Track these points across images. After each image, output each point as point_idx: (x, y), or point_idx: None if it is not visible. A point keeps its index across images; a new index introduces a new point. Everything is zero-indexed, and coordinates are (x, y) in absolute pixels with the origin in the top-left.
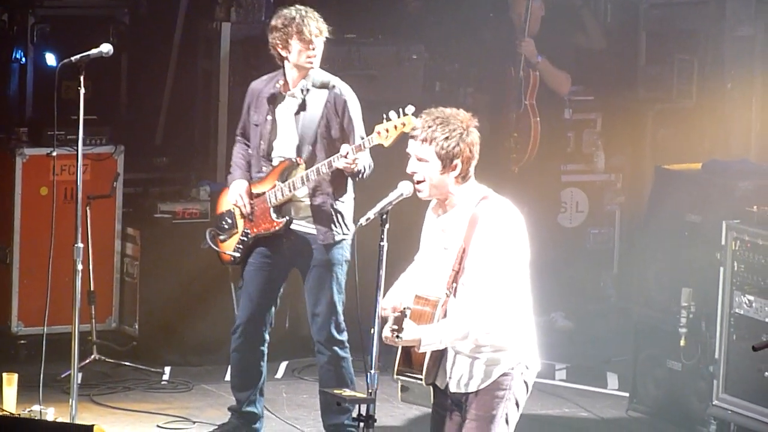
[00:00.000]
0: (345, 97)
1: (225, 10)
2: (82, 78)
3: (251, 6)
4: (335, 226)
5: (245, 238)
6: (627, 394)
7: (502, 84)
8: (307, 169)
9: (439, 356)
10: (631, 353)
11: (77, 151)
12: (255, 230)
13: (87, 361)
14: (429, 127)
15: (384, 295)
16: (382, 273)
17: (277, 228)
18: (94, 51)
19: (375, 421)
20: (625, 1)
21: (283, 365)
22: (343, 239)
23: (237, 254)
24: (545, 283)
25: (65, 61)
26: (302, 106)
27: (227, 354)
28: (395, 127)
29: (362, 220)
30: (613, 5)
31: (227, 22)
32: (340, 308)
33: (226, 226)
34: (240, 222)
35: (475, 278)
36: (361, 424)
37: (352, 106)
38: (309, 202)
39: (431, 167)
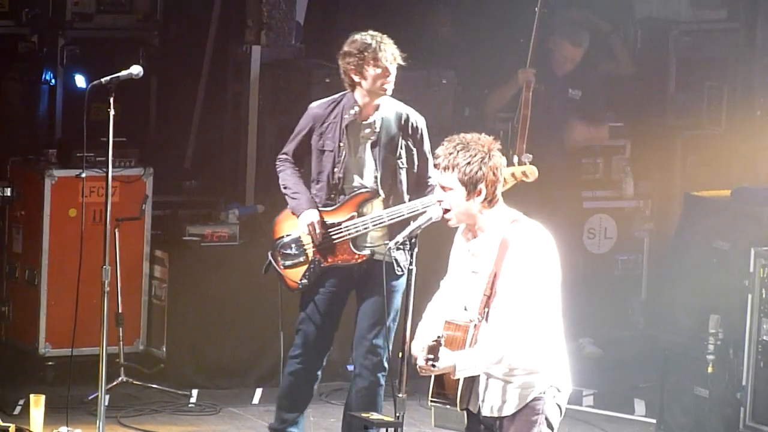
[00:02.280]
0: (420, 126)
1: (255, 34)
2: (111, 100)
3: (281, 29)
4: (407, 255)
5: (314, 267)
6: (654, 421)
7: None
8: (386, 200)
9: (472, 380)
10: (658, 379)
11: (106, 172)
12: (330, 260)
13: (114, 383)
14: (450, 154)
15: (412, 321)
16: (411, 297)
17: (358, 261)
18: (124, 73)
19: None
20: (655, 28)
21: None
22: (411, 268)
23: (306, 281)
24: (573, 308)
25: (95, 82)
26: (380, 137)
27: (255, 377)
28: (513, 175)
29: (391, 244)
30: (643, 32)
31: (257, 45)
32: (392, 335)
33: (293, 253)
34: (310, 251)
35: (507, 302)
36: None
37: (426, 134)
38: (385, 231)
39: (456, 195)
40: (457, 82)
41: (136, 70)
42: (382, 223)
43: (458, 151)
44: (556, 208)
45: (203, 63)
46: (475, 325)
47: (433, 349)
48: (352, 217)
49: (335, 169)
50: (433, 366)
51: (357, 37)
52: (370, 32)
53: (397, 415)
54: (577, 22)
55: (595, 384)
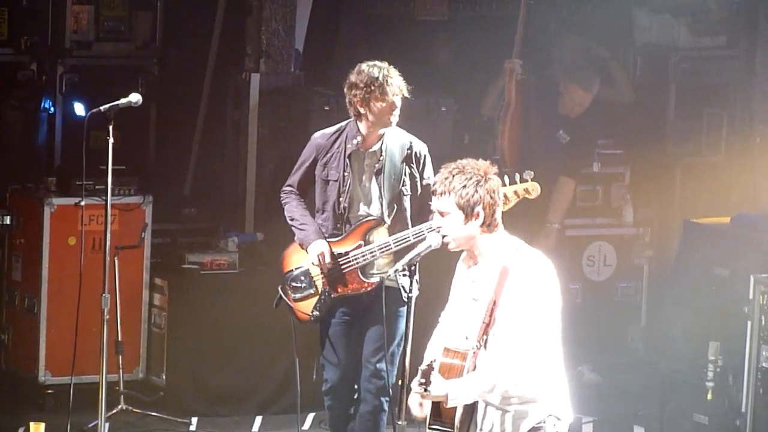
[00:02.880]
0: (423, 153)
1: (254, 61)
2: (110, 128)
3: (280, 57)
4: (414, 281)
5: (325, 298)
6: None
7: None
8: (392, 227)
9: (471, 409)
10: (658, 406)
11: (106, 201)
12: (340, 290)
13: (114, 411)
14: (446, 179)
15: (411, 347)
16: (410, 323)
17: (368, 289)
18: (122, 100)
19: None
20: (655, 54)
21: (311, 416)
22: (411, 295)
23: (317, 313)
24: (572, 335)
25: (94, 110)
26: (384, 166)
27: (255, 404)
28: (516, 192)
29: (391, 272)
30: (642, 58)
31: (256, 73)
32: (397, 360)
33: (302, 286)
34: (320, 282)
35: (505, 331)
36: None
37: (429, 162)
38: (392, 258)
39: (454, 219)
40: (456, 109)
41: (135, 98)
42: (389, 249)
43: (454, 176)
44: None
45: (202, 90)
46: (474, 353)
47: (426, 374)
48: (359, 246)
49: (341, 199)
50: (426, 391)
51: (364, 67)
52: (377, 63)
53: None
54: (589, 67)
55: (595, 411)
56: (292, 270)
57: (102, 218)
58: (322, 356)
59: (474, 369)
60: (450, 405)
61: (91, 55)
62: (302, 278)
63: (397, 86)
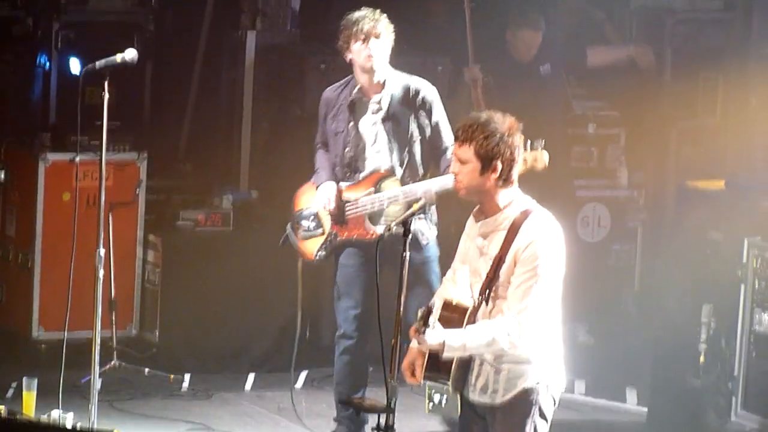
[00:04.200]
0: (430, 98)
1: (250, 19)
2: (106, 84)
3: (276, 15)
4: (427, 227)
5: (331, 239)
6: (645, 410)
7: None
8: (402, 178)
9: (465, 366)
10: (650, 369)
11: (100, 157)
12: (346, 234)
13: (107, 367)
14: (469, 127)
15: (405, 306)
16: (404, 284)
17: (373, 237)
18: (118, 57)
19: (394, 431)
20: (651, 17)
21: (303, 375)
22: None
23: (323, 253)
24: (566, 296)
25: (89, 66)
26: (389, 115)
27: (248, 362)
28: (525, 159)
29: (384, 232)
30: (638, 20)
31: (252, 30)
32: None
33: (310, 226)
34: (327, 224)
35: (510, 289)
36: None
37: (437, 104)
38: (403, 209)
39: (471, 168)
40: (452, 68)
41: (131, 54)
42: (397, 200)
43: (478, 125)
44: (549, 195)
45: (198, 48)
46: (474, 307)
47: (424, 316)
48: (369, 193)
49: (346, 149)
50: (423, 334)
51: (349, 14)
52: (365, 8)
53: (389, 400)
54: (527, 8)
55: (588, 373)
56: (302, 210)
57: (96, 174)
58: (336, 300)
59: (472, 323)
60: (446, 355)
61: (87, 11)
62: (311, 218)
63: (370, 26)
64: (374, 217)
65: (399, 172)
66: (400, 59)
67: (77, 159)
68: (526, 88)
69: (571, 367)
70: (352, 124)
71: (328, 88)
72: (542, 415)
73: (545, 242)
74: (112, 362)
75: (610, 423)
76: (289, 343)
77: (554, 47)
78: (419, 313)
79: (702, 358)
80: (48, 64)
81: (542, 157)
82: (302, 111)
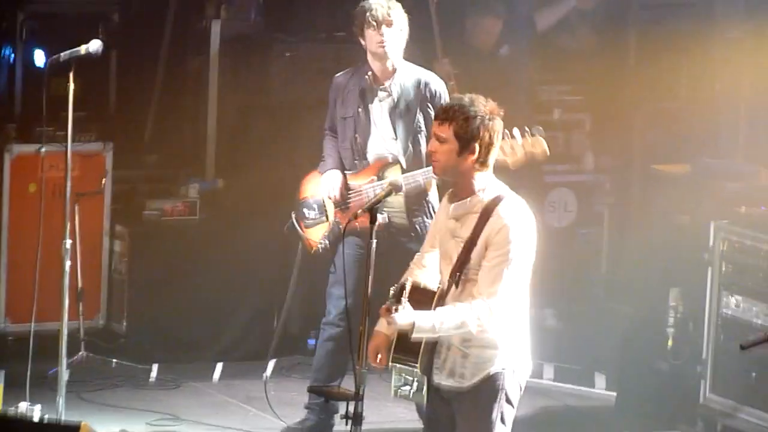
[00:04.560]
0: (440, 91)
1: (215, 8)
2: (71, 75)
3: (241, 4)
4: (427, 218)
5: (334, 228)
6: (614, 394)
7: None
8: (407, 164)
9: (431, 350)
10: (618, 353)
11: (66, 148)
12: (346, 221)
13: (75, 358)
14: (451, 107)
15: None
16: (371, 270)
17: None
18: (83, 48)
19: (363, 418)
20: (615, 2)
21: (271, 363)
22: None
23: (326, 242)
24: (534, 281)
25: (53, 58)
26: (397, 104)
27: (215, 352)
28: (523, 147)
29: (351, 217)
30: (602, 5)
31: (217, 19)
32: None
33: (314, 214)
34: (331, 212)
35: (480, 272)
36: (350, 422)
37: (445, 98)
38: (403, 197)
39: (450, 148)
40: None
41: (95, 45)
42: (396, 191)
43: (460, 106)
44: (516, 181)
45: (163, 38)
46: (444, 290)
47: (397, 293)
48: (371, 181)
49: (356, 135)
50: (394, 312)
51: (364, 1)
52: None
53: (358, 388)
54: None
55: (556, 357)
56: (306, 198)
57: (62, 165)
58: (329, 286)
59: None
60: (415, 336)
61: (51, 1)
62: (315, 206)
63: (383, 13)
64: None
65: (403, 160)
66: (360, 46)
67: (43, 150)
68: (489, 76)
69: (539, 352)
70: (361, 109)
71: (339, 73)
72: (509, 401)
73: (518, 228)
74: (80, 353)
75: (579, 408)
76: (257, 332)
77: (515, 32)
78: (391, 291)
79: (670, 342)
80: (12, 55)
81: (542, 144)
82: (267, 99)
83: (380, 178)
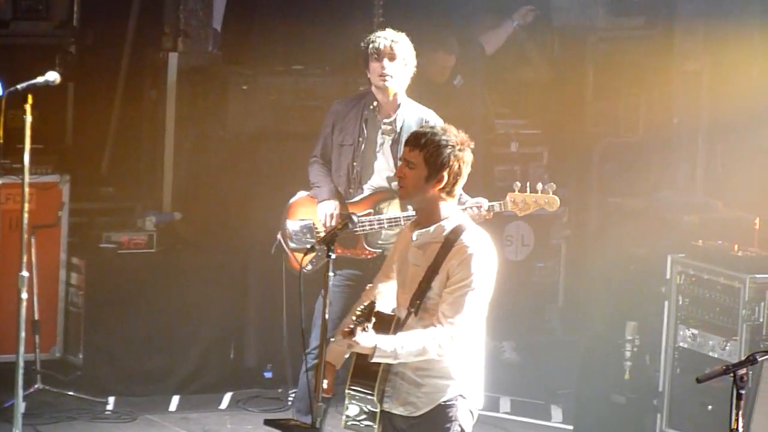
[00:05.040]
0: None
1: (172, 40)
2: (28, 106)
3: (198, 36)
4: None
5: (322, 255)
6: (571, 428)
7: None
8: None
9: (385, 379)
10: (575, 386)
11: (23, 180)
12: (340, 251)
13: (31, 390)
14: (424, 134)
15: (328, 326)
16: (328, 302)
17: (368, 257)
18: (40, 79)
19: None
20: (573, 35)
21: (228, 396)
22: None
23: (310, 267)
24: (491, 314)
25: (11, 89)
26: (400, 138)
27: (172, 384)
28: (536, 202)
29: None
30: (560, 38)
31: (174, 52)
32: None
33: (304, 239)
34: None
35: (443, 300)
36: None
37: None
38: (397, 231)
39: (418, 174)
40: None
41: (53, 76)
42: (397, 224)
43: (433, 134)
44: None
45: (120, 69)
46: (402, 318)
47: (367, 312)
48: (368, 214)
49: (354, 163)
50: (357, 335)
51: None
52: (389, 29)
53: (314, 420)
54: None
55: (513, 390)
56: (296, 220)
57: (19, 197)
58: (314, 317)
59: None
60: (375, 359)
61: (8, 33)
62: (305, 231)
63: (386, 46)
64: (371, 238)
65: (397, 200)
66: (320, 80)
67: None
68: (443, 107)
69: (496, 385)
70: (363, 138)
71: (338, 100)
72: (461, 430)
73: (480, 258)
74: (36, 385)
75: None
76: (213, 364)
77: (468, 63)
78: (358, 311)
79: (627, 375)
80: None
81: (554, 202)
82: (225, 132)
83: (377, 212)
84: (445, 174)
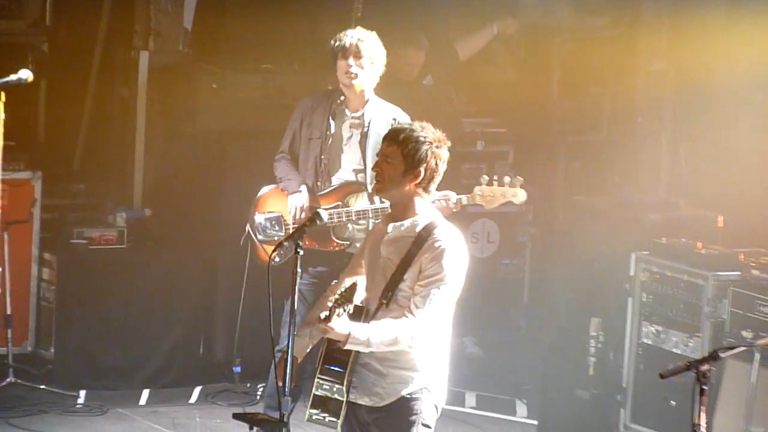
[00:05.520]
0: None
1: (143, 39)
2: (0, 104)
3: (169, 35)
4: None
5: (289, 248)
6: (536, 422)
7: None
8: (372, 195)
9: (354, 368)
10: (540, 381)
11: None
12: (308, 243)
13: (3, 384)
14: (403, 129)
15: (295, 322)
16: (294, 299)
17: (336, 249)
18: (12, 77)
19: None
20: (539, 35)
21: (197, 390)
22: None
23: (278, 260)
24: (456, 310)
25: None
26: (368, 133)
27: (142, 378)
28: (503, 195)
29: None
30: (526, 38)
31: (145, 50)
32: None
33: (272, 231)
34: (290, 231)
35: (414, 294)
36: None
37: None
38: (365, 225)
39: (395, 168)
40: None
41: (25, 74)
42: (365, 216)
43: (411, 130)
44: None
45: (92, 68)
46: (373, 310)
47: (348, 294)
48: (336, 206)
49: (322, 156)
50: (337, 314)
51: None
52: (359, 27)
53: (282, 414)
54: (411, 27)
55: (478, 386)
56: (264, 212)
57: None
58: (284, 313)
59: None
60: (348, 346)
61: None
62: (274, 223)
63: (353, 44)
64: (339, 230)
65: (369, 188)
66: (289, 78)
67: None
68: (412, 105)
69: (461, 380)
70: (329, 132)
71: (306, 96)
72: (425, 424)
73: (451, 254)
74: (8, 379)
75: None
76: (182, 359)
77: (438, 62)
78: (337, 294)
79: (591, 371)
80: None
81: (521, 195)
82: (194, 129)
83: (344, 205)
84: (422, 169)
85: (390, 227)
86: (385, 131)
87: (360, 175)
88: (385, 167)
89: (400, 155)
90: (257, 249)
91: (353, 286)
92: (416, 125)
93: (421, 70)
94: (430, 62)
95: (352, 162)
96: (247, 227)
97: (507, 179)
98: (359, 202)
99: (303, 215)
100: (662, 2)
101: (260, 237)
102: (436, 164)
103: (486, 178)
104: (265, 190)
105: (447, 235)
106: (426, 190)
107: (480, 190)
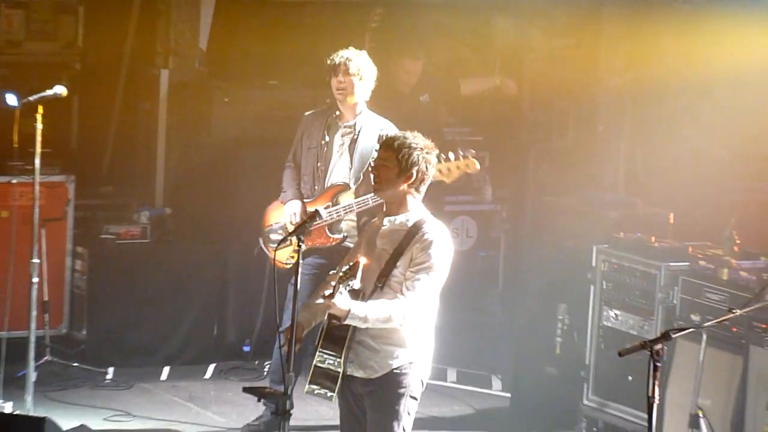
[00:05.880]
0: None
1: (164, 59)
2: (39, 116)
3: (186, 55)
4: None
5: (298, 249)
6: (509, 395)
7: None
8: (356, 191)
9: (351, 345)
10: (513, 359)
11: (34, 179)
12: (309, 243)
13: (41, 362)
14: (397, 137)
15: (297, 308)
16: (297, 287)
17: (332, 243)
18: (49, 92)
19: (290, 415)
20: (512, 54)
21: (211, 367)
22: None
23: (291, 262)
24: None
25: (24, 100)
26: (358, 140)
27: (163, 356)
28: (458, 167)
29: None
30: (501, 57)
31: (165, 68)
32: None
33: (278, 236)
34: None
35: (407, 279)
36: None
37: None
38: (356, 222)
39: (391, 171)
40: None
41: (60, 89)
42: (352, 210)
43: (404, 137)
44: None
45: (119, 84)
46: (365, 293)
47: (353, 270)
48: (327, 207)
49: (319, 164)
50: (337, 293)
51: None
52: (351, 48)
53: (287, 388)
54: (409, 39)
55: (459, 363)
56: (271, 225)
57: (31, 194)
58: (287, 300)
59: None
60: (348, 321)
61: (21, 52)
62: (279, 231)
63: (343, 62)
64: (333, 227)
65: (353, 185)
66: (292, 94)
67: (14, 181)
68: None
69: (443, 358)
70: (324, 142)
71: (308, 112)
72: (412, 396)
73: (438, 245)
74: (46, 357)
75: (478, 407)
76: (198, 340)
77: (435, 83)
78: (343, 269)
79: (558, 350)
80: None
81: (474, 165)
82: (209, 138)
83: (335, 203)
84: (414, 172)
85: (385, 221)
86: (373, 139)
87: (350, 177)
88: (382, 170)
89: (395, 159)
90: (270, 257)
91: (356, 263)
92: (408, 134)
93: (420, 86)
94: (428, 81)
95: (345, 166)
96: (261, 241)
97: (460, 152)
98: (345, 199)
99: (299, 219)
100: (620, 25)
101: (272, 246)
102: (426, 168)
103: (442, 156)
104: (270, 206)
105: (435, 229)
106: (417, 190)
107: (438, 167)
